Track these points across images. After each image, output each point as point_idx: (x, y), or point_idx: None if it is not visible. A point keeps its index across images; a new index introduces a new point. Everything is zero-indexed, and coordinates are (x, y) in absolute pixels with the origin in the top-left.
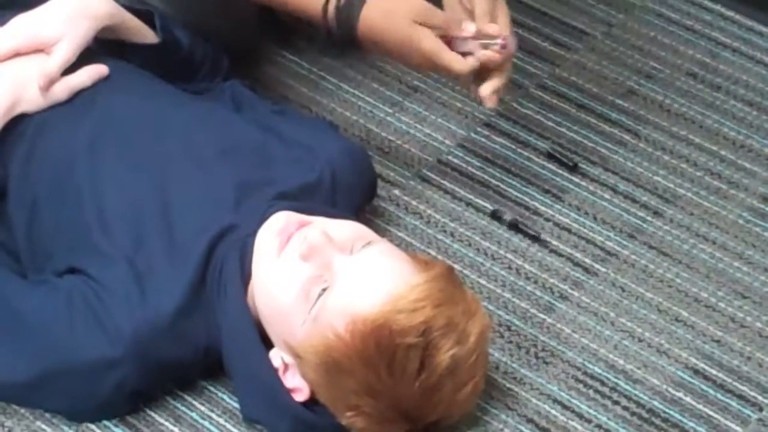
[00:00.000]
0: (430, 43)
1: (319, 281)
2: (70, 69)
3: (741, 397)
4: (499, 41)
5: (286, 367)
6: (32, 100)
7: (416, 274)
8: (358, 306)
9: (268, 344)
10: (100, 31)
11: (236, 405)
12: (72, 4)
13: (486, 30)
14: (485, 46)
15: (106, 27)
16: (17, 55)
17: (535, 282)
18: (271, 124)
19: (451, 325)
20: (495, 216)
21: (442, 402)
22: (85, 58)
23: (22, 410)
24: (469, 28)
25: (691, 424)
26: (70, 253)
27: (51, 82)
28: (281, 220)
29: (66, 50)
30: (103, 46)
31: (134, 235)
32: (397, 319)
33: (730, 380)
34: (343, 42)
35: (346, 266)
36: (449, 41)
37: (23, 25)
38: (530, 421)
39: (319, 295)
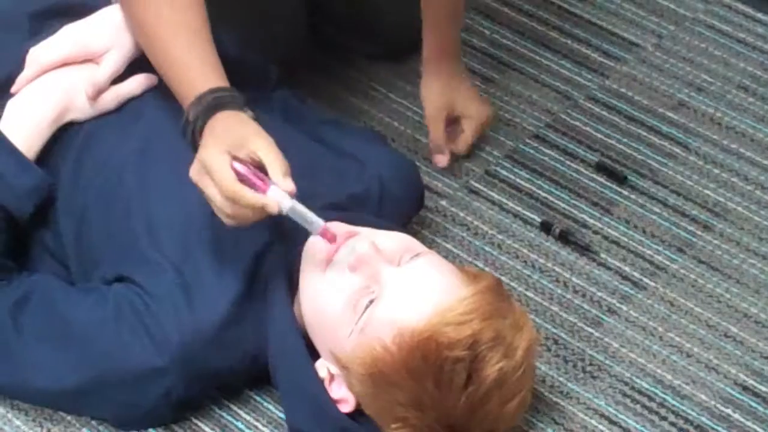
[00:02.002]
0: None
1: (367, 292)
2: (120, 78)
3: None
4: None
5: (332, 377)
6: (81, 109)
7: (464, 286)
8: (406, 318)
9: (315, 355)
10: None
11: (282, 415)
12: (120, 15)
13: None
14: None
15: None
16: (66, 64)
17: (583, 295)
18: (320, 134)
19: (498, 339)
20: (545, 226)
21: (489, 415)
22: (134, 67)
23: (69, 417)
24: (285, 185)
25: None
26: (119, 261)
27: (99, 92)
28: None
29: (115, 60)
30: None
31: (182, 244)
32: (445, 331)
33: None
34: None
35: (394, 278)
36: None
37: (72, 35)
38: None
39: (367, 307)
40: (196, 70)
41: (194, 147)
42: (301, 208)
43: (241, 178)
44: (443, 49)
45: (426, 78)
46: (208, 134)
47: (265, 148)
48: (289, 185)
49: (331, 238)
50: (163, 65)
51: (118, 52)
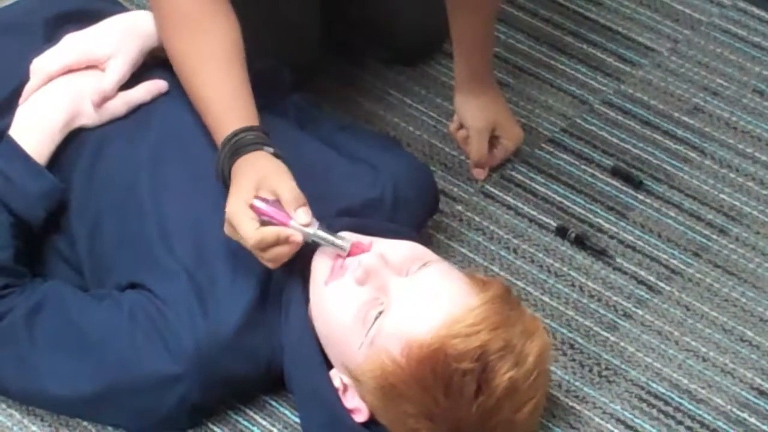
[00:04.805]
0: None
1: (376, 304)
2: (130, 84)
3: None
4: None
5: (345, 387)
6: (90, 114)
7: (473, 296)
8: (414, 330)
9: (330, 363)
10: (154, 50)
11: (298, 420)
12: (123, 23)
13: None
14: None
15: (161, 46)
16: (70, 71)
17: (599, 300)
18: (334, 139)
19: (508, 348)
20: (560, 231)
21: (501, 423)
22: (145, 73)
23: (85, 423)
24: (299, 218)
25: None
26: (132, 267)
27: (105, 99)
28: None
29: (119, 67)
30: (164, 61)
31: (196, 250)
32: (453, 343)
33: None
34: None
35: (402, 289)
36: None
37: (74, 43)
38: None
39: (376, 318)
40: (221, 109)
41: (227, 187)
42: (324, 235)
43: (263, 215)
44: (476, 72)
45: (462, 95)
46: (233, 182)
47: (281, 183)
48: (303, 218)
49: (365, 250)
50: (193, 100)
51: (122, 58)
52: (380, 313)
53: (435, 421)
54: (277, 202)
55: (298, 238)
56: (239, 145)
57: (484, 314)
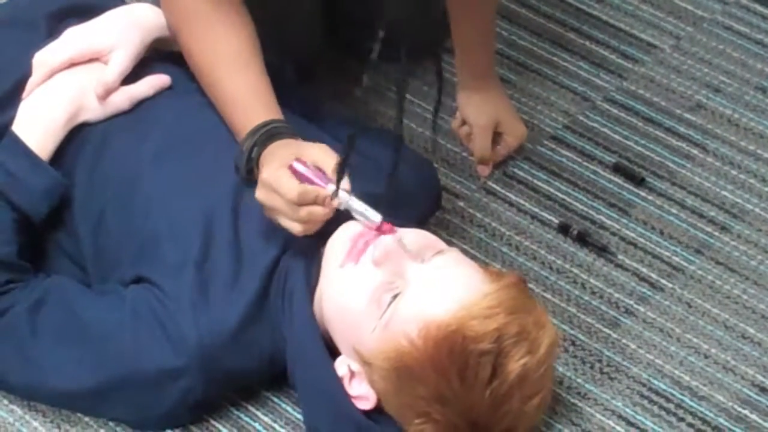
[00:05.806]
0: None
1: (391, 287)
2: (133, 79)
3: None
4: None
5: (352, 374)
6: (94, 109)
7: (489, 282)
8: (432, 312)
9: (333, 354)
10: (157, 43)
11: (300, 416)
12: (124, 15)
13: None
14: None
15: (162, 38)
16: (73, 64)
17: (601, 297)
18: (337, 135)
19: (523, 334)
20: (562, 228)
21: (510, 412)
22: (146, 67)
23: (86, 418)
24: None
25: None
26: (137, 262)
27: (108, 92)
28: (357, 226)
29: (122, 59)
30: (166, 56)
31: (202, 243)
32: (471, 325)
33: None
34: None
35: (419, 274)
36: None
37: (76, 36)
38: None
39: (390, 302)
40: (247, 105)
41: (248, 177)
42: (359, 203)
43: (302, 177)
44: (478, 69)
45: (464, 92)
46: (267, 159)
47: (322, 154)
48: (344, 183)
49: (388, 231)
50: (216, 98)
51: (124, 50)
52: (395, 297)
53: (446, 405)
54: (316, 168)
55: (335, 202)
56: (274, 132)
57: (500, 299)
